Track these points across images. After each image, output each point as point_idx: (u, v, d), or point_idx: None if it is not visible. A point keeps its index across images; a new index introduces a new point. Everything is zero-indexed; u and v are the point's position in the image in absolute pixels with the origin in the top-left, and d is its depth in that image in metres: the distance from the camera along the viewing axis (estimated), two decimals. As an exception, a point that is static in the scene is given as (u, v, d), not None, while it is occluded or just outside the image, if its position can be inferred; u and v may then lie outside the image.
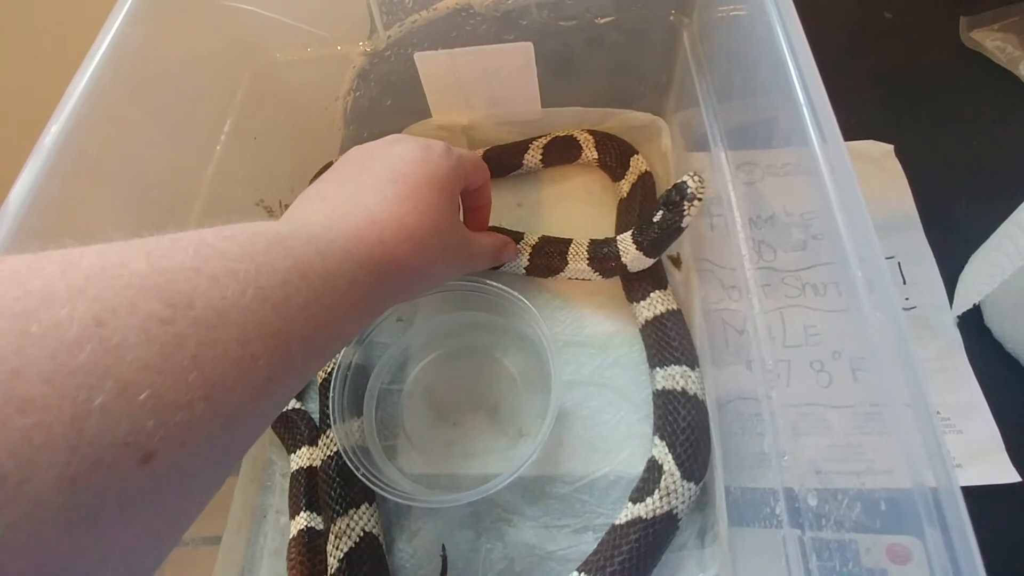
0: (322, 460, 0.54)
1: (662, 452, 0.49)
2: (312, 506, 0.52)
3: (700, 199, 0.48)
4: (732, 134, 0.52)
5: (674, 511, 0.46)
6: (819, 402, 0.46)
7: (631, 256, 0.53)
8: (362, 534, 0.49)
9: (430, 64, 0.61)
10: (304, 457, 0.55)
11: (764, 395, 0.48)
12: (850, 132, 0.65)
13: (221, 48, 0.58)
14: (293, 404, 0.58)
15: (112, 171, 0.47)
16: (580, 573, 0.45)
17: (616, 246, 0.55)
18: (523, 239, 0.60)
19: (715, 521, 0.49)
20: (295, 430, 0.57)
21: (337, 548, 0.49)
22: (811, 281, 0.48)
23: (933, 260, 0.59)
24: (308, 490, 0.53)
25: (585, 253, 0.57)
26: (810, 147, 0.34)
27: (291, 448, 0.56)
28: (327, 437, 0.54)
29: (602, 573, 0.45)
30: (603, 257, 0.56)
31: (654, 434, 0.51)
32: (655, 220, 0.51)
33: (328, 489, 0.51)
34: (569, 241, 0.58)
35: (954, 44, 0.72)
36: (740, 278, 0.52)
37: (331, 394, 0.52)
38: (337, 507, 0.50)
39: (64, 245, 0.26)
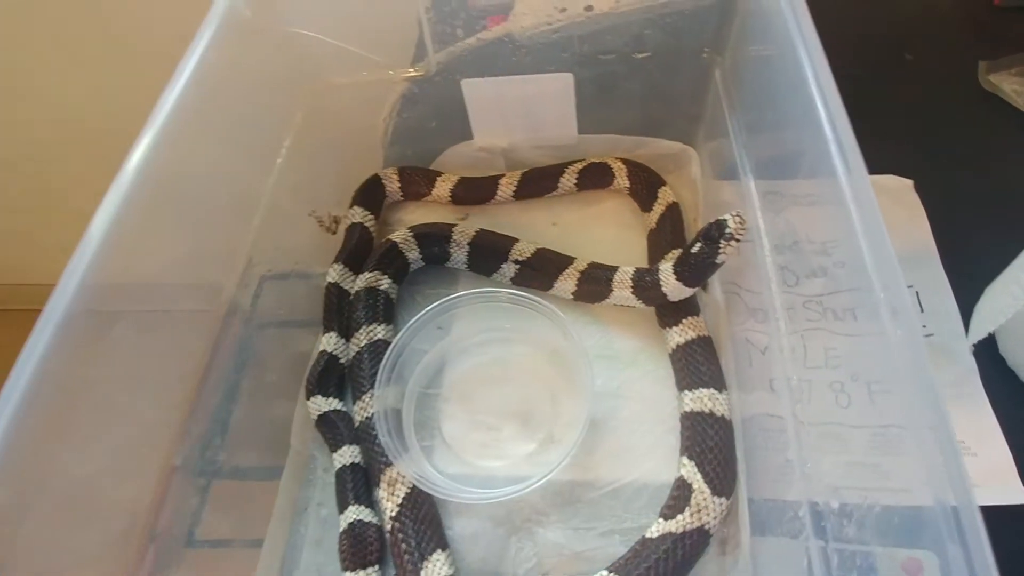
0: (360, 421, 0.59)
1: (691, 472, 0.51)
2: (360, 500, 0.55)
3: (738, 240, 0.51)
4: (760, 165, 0.55)
5: (705, 526, 0.49)
6: (838, 421, 0.49)
7: (671, 286, 0.56)
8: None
9: (476, 90, 0.66)
10: (347, 455, 0.58)
11: (785, 413, 0.51)
12: (871, 167, 0.68)
13: (285, 71, 0.63)
14: (336, 405, 0.62)
15: (189, 180, 0.51)
16: (610, 572, 0.48)
17: (658, 276, 0.57)
18: (572, 264, 0.63)
19: (736, 531, 0.51)
20: (336, 430, 0.60)
21: (393, 495, 0.54)
22: (832, 306, 0.51)
23: (950, 290, 0.62)
24: (355, 486, 0.56)
25: (629, 281, 0.59)
26: (836, 179, 0.38)
27: (334, 447, 0.59)
28: (363, 401, 0.59)
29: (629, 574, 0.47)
30: (646, 286, 0.58)
31: (681, 454, 0.54)
32: (693, 252, 0.54)
33: (371, 445, 0.56)
34: (615, 269, 0.61)
35: (973, 86, 0.76)
36: (764, 301, 0.55)
37: (382, 364, 0.58)
38: (383, 458, 0.55)
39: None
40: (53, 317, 0.39)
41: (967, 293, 0.62)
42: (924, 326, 0.61)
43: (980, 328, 0.58)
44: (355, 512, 0.55)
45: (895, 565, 0.42)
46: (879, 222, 0.35)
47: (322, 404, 0.61)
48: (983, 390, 0.57)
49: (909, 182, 0.69)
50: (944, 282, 0.63)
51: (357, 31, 0.65)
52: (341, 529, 0.55)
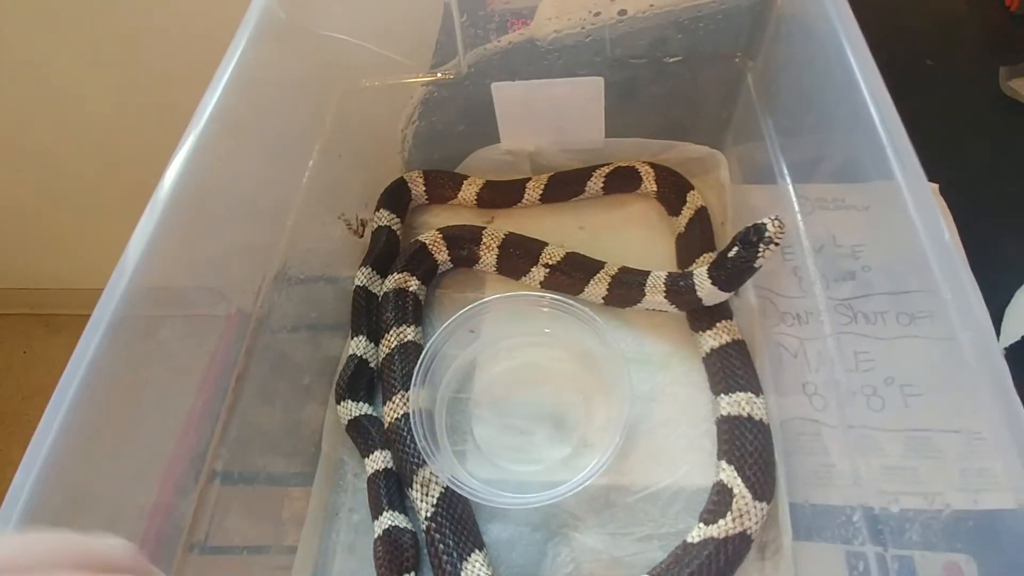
0: (391, 421, 0.59)
1: (731, 476, 0.51)
2: (394, 506, 0.55)
3: (777, 244, 0.51)
4: (796, 168, 0.55)
5: (748, 531, 0.49)
6: (871, 425, 0.49)
7: (706, 290, 0.56)
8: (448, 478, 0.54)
9: (505, 94, 0.66)
10: (379, 460, 0.58)
11: (820, 417, 0.51)
12: (875, 174, 0.69)
13: (317, 74, 0.63)
14: (366, 410, 0.61)
15: (226, 185, 0.51)
16: (650, 577, 0.48)
17: (692, 280, 0.57)
18: (603, 269, 0.63)
19: (777, 535, 0.51)
20: (368, 436, 0.60)
21: (427, 495, 0.54)
22: (863, 310, 0.51)
23: (979, 294, 0.62)
24: (388, 491, 0.56)
25: (662, 286, 0.59)
26: (894, 181, 0.38)
27: (365, 452, 0.59)
28: (393, 402, 0.59)
29: (672, 578, 0.47)
30: (680, 290, 0.58)
31: (720, 459, 0.54)
32: (730, 256, 0.54)
33: (401, 446, 0.57)
34: (647, 273, 0.61)
35: (993, 91, 0.76)
36: (797, 305, 0.55)
37: (416, 368, 0.57)
38: (415, 459, 0.55)
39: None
40: (99, 324, 0.39)
41: (995, 297, 0.62)
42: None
43: (1012, 331, 0.58)
44: (390, 518, 0.55)
45: (937, 569, 0.42)
46: (940, 223, 0.35)
47: (352, 409, 0.61)
48: (1016, 394, 0.57)
49: (934, 186, 0.69)
50: (972, 287, 0.63)
51: (384, 34, 0.65)
52: (376, 536, 0.54)
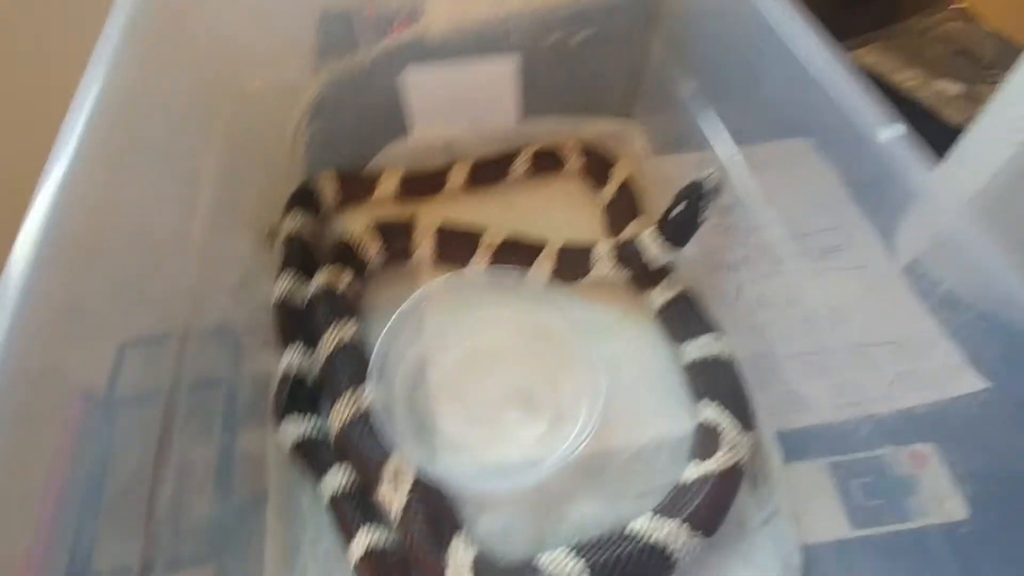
0: (341, 425, 0.53)
1: (716, 412, 0.52)
2: (369, 517, 0.49)
3: (718, 194, 0.54)
4: (708, 134, 0.59)
5: (740, 461, 0.49)
6: (814, 349, 0.52)
7: (655, 251, 0.57)
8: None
9: (417, 79, 0.64)
10: (338, 476, 0.51)
11: (771, 350, 0.54)
12: (773, 135, 0.77)
13: (205, 78, 0.56)
14: (313, 424, 0.54)
15: (120, 192, 0.43)
16: (655, 514, 0.47)
17: (640, 244, 0.58)
18: (546, 247, 0.62)
19: (763, 462, 0.52)
20: (318, 453, 0.53)
21: (400, 484, 0.49)
22: (780, 253, 0.55)
23: (870, 227, 0.70)
24: (360, 506, 0.50)
25: (608, 255, 0.60)
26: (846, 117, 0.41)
27: (319, 472, 0.52)
28: (342, 402, 0.53)
29: (678, 514, 0.47)
30: (629, 256, 0.59)
31: (699, 399, 0.55)
32: (676, 213, 0.56)
33: (359, 444, 0.52)
34: (591, 246, 0.61)
35: (834, 64, 0.88)
36: (727, 256, 0.58)
37: (370, 367, 0.53)
38: (379, 454, 0.50)
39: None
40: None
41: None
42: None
43: (906, 252, 0.66)
44: (367, 533, 0.48)
45: (902, 460, 0.46)
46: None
47: (297, 427, 0.54)
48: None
49: (809, 143, 0.77)
50: (863, 219, 0.70)
51: (278, 30, 0.60)
52: (357, 558, 0.48)
